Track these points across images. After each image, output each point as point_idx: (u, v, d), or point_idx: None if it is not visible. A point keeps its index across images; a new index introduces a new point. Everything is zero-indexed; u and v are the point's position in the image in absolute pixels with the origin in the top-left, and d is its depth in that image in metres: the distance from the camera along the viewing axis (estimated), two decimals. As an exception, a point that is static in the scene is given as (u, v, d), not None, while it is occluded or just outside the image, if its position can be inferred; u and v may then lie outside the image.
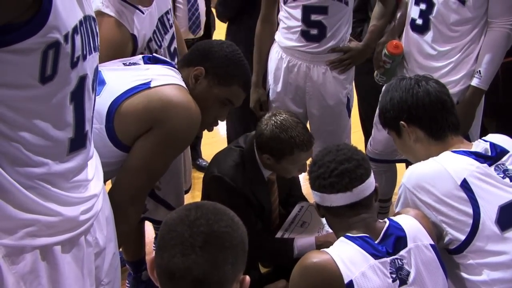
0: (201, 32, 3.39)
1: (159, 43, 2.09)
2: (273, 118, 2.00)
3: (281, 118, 1.99)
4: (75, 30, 1.06)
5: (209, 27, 3.50)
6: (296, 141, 1.94)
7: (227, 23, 3.16)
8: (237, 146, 2.12)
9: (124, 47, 1.93)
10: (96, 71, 1.24)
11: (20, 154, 1.07)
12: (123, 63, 1.83)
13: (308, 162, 1.67)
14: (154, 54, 1.94)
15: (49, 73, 1.03)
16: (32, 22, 0.96)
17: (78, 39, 1.08)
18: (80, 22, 1.09)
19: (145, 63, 1.86)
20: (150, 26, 2.04)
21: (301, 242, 2.03)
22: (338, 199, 1.48)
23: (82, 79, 1.14)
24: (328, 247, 1.47)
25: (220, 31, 3.54)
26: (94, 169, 1.31)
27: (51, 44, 1.01)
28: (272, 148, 1.98)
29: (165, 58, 1.97)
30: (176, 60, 2.24)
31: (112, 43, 1.87)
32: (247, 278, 1.11)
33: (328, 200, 1.50)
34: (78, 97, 1.14)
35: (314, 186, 1.54)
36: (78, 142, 1.18)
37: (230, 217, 1.11)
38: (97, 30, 1.22)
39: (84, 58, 1.12)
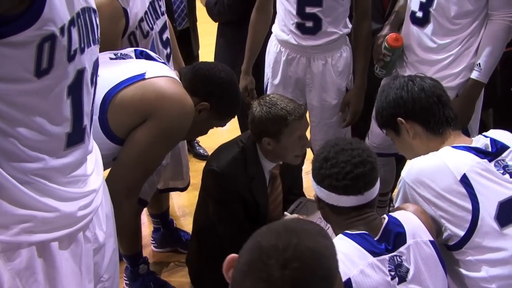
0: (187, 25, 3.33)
1: (150, 25, 2.08)
2: (261, 100, 2.01)
3: (268, 97, 2.01)
4: (71, 22, 1.04)
5: (193, 20, 3.39)
6: (287, 110, 1.93)
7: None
8: (240, 141, 2.09)
9: (117, 21, 1.91)
10: (96, 65, 1.22)
11: (15, 149, 1.05)
12: (114, 54, 1.82)
13: (311, 158, 1.62)
14: (147, 51, 1.93)
15: (44, 67, 1.01)
16: (26, 15, 0.94)
17: (75, 31, 1.05)
18: (78, 14, 1.07)
19: (137, 57, 1.84)
20: (142, 6, 2.03)
21: None
22: (347, 201, 1.44)
23: (80, 73, 1.12)
24: None
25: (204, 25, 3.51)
26: (93, 164, 1.29)
27: (46, 37, 0.99)
28: (267, 127, 1.95)
29: (157, 56, 1.97)
30: (168, 50, 2.24)
31: (106, 16, 1.81)
32: None
33: (335, 200, 1.46)
34: (76, 91, 1.12)
35: (323, 183, 1.46)
36: (76, 137, 1.17)
37: (327, 267, 0.94)
38: (97, 22, 1.20)
39: (82, 51, 1.10)
